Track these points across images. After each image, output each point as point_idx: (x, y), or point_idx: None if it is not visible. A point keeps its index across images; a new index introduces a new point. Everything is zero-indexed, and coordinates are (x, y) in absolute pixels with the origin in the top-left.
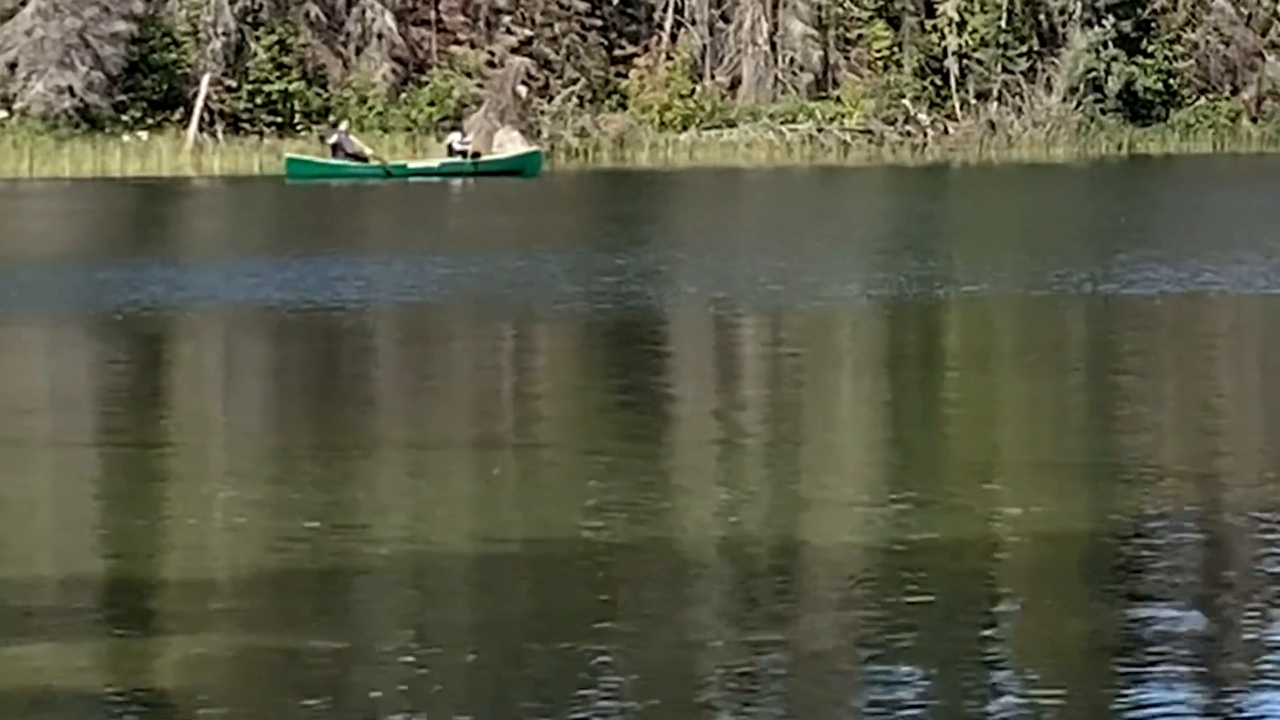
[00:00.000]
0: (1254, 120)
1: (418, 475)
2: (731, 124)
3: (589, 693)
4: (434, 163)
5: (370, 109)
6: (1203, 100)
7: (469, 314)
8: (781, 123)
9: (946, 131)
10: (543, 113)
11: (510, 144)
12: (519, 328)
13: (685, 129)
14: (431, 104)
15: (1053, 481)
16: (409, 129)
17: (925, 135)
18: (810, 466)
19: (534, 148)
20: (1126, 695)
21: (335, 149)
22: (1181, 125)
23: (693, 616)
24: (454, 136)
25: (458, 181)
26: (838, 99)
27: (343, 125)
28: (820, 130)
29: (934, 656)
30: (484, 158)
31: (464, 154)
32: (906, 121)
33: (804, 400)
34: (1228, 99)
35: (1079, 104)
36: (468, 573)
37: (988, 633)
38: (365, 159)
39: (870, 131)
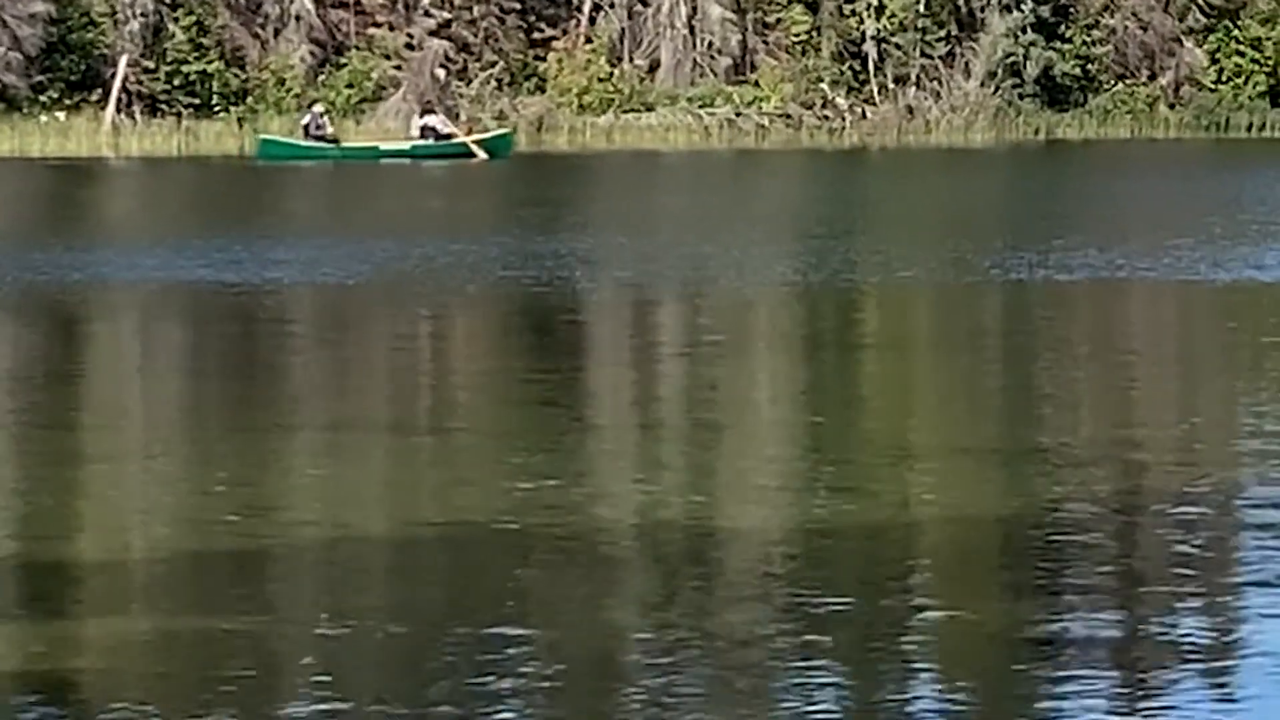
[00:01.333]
0: (1171, 106)
1: (336, 458)
2: (650, 107)
3: (505, 676)
4: (405, 145)
5: (288, 90)
6: (1120, 86)
7: (388, 297)
8: (700, 106)
9: (864, 116)
10: (461, 95)
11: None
12: (439, 312)
13: (604, 112)
14: (350, 86)
15: (970, 466)
16: (327, 112)
17: (843, 120)
18: (729, 451)
19: (504, 130)
20: (1041, 677)
21: (307, 130)
22: (1099, 111)
23: (610, 601)
24: (430, 119)
25: (429, 163)
26: (756, 83)
27: (316, 107)
28: (738, 114)
29: (851, 640)
30: (456, 140)
31: (442, 136)
32: (824, 106)
33: (722, 385)
34: (1145, 85)
35: (997, 89)
36: (385, 555)
37: (904, 616)
38: (337, 141)
39: (788, 116)
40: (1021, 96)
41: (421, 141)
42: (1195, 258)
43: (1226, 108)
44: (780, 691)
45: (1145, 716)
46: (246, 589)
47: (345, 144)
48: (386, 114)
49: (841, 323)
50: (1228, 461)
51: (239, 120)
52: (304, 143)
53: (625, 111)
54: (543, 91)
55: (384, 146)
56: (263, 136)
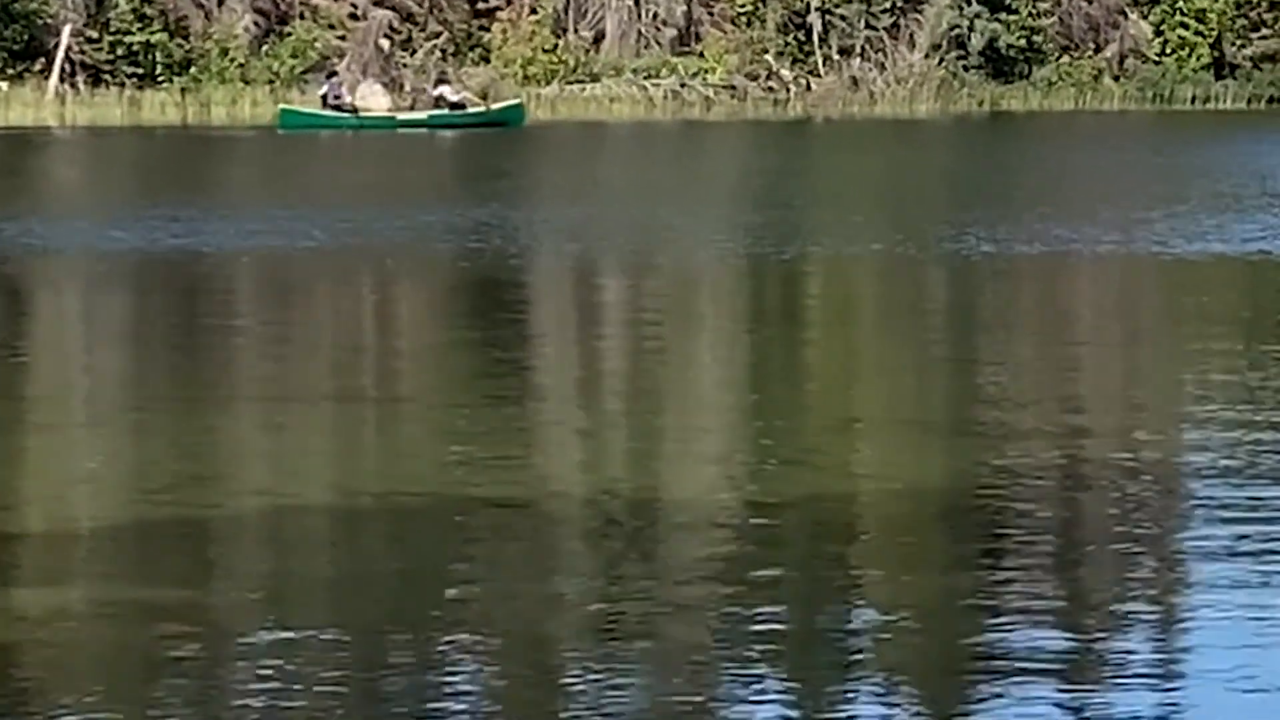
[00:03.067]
0: (1116, 78)
1: (279, 428)
2: (595, 79)
3: (449, 646)
4: (422, 115)
5: (232, 60)
6: (1065, 58)
7: (334, 267)
8: (645, 78)
9: (809, 88)
10: (405, 66)
11: (373, 97)
12: (384, 282)
13: (548, 84)
14: (294, 56)
15: (915, 438)
16: (271, 81)
17: (788, 91)
18: (673, 422)
19: (516, 100)
20: (984, 648)
21: (325, 100)
22: (1044, 83)
23: (554, 571)
24: (444, 88)
25: (446, 133)
26: (701, 54)
27: (334, 78)
28: (683, 86)
29: (794, 612)
30: (469, 110)
31: (454, 105)
32: (769, 77)
33: (666, 356)
34: (1090, 57)
35: (942, 60)
36: (328, 525)
37: (846, 589)
38: (355, 110)
39: (733, 87)
40: (966, 68)
41: (437, 111)
42: (1142, 230)
43: (1170, 80)
44: (723, 662)
45: (1089, 686)
46: (189, 559)
47: (363, 114)
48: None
49: (786, 294)
50: (1172, 434)
51: (182, 90)
52: (323, 112)
53: (570, 83)
54: (487, 62)
55: (401, 116)
56: (282, 106)
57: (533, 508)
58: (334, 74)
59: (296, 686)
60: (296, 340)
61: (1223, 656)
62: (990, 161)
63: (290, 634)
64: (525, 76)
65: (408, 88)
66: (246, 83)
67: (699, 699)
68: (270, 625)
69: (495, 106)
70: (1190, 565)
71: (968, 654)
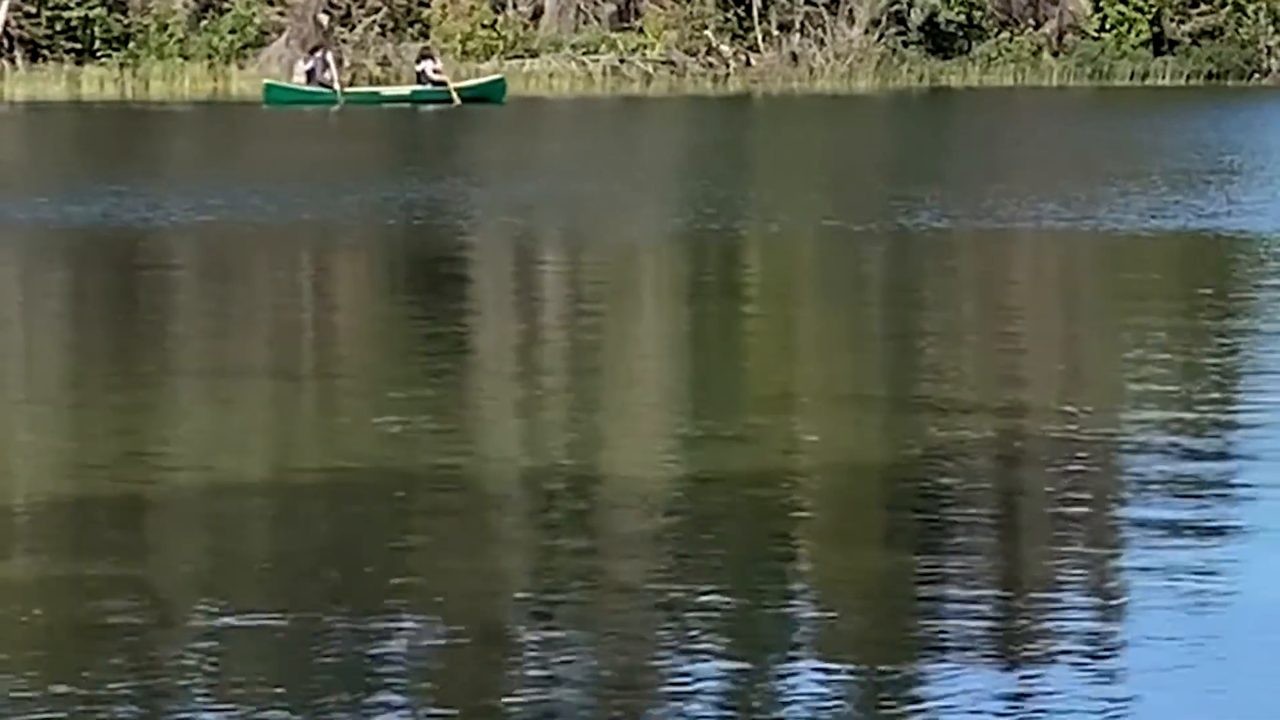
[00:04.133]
0: (1055, 55)
1: (219, 403)
2: (534, 54)
3: (388, 622)
4: (405, 90)
5: (170, 36)
6: (1005, 34)
7: (270, 241)
8: (584, 53)
9: (749, 63)
10: (344, 41)
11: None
12: (322, 257)
13: (487, 59)
14: (233, 31)
15: (853, 413)
16: (210, 57)
17: (728, 67)
18: (612, 398)
19: (497, 76)
20: (924, 625)
21: (310, 75)
22: (983, 59)
23: (494, 547)
24: (426, 64)
25: (429, 108)
26: (640, 30)
27: (319, 53)
28: (623, 61)
29: (734, 587)
30: (453, 85)
31: (436, 81)
32: (709, 53)
33: (606, 331)
34: (1029, 33)
35: (881, 36)
36: (268, 501)
37: (786, 564)
38: (340, 86)
39: (673, 63)
40: (906, 44)
41: (420, 86)
42: (1083, 206)
43: (1109, 56)
44: (663, 638)
45: (1027, 662)
46: (126, 535)
47: (348, 89)
48: (269, 60)
49: (726, 269)
50: (1112, 410)
51: (121, 66)
52: (307, 87)
53: (509, 58)
54: (426, 38)
55: (385, 91)
56: (267, 81)
57: (473, 483)
58: (317, 49)
59: (235, 662)
60: (237, 316)
61: (1161, 632)
62: (930, 137)
63: (229, 609)
64: (464, 52)
65: (347, 63)
66: (185, 58)
67: (638, 674)
68: (209, 601)
69: (476, 83)
70: (1130, 542)
71: (907, 629)
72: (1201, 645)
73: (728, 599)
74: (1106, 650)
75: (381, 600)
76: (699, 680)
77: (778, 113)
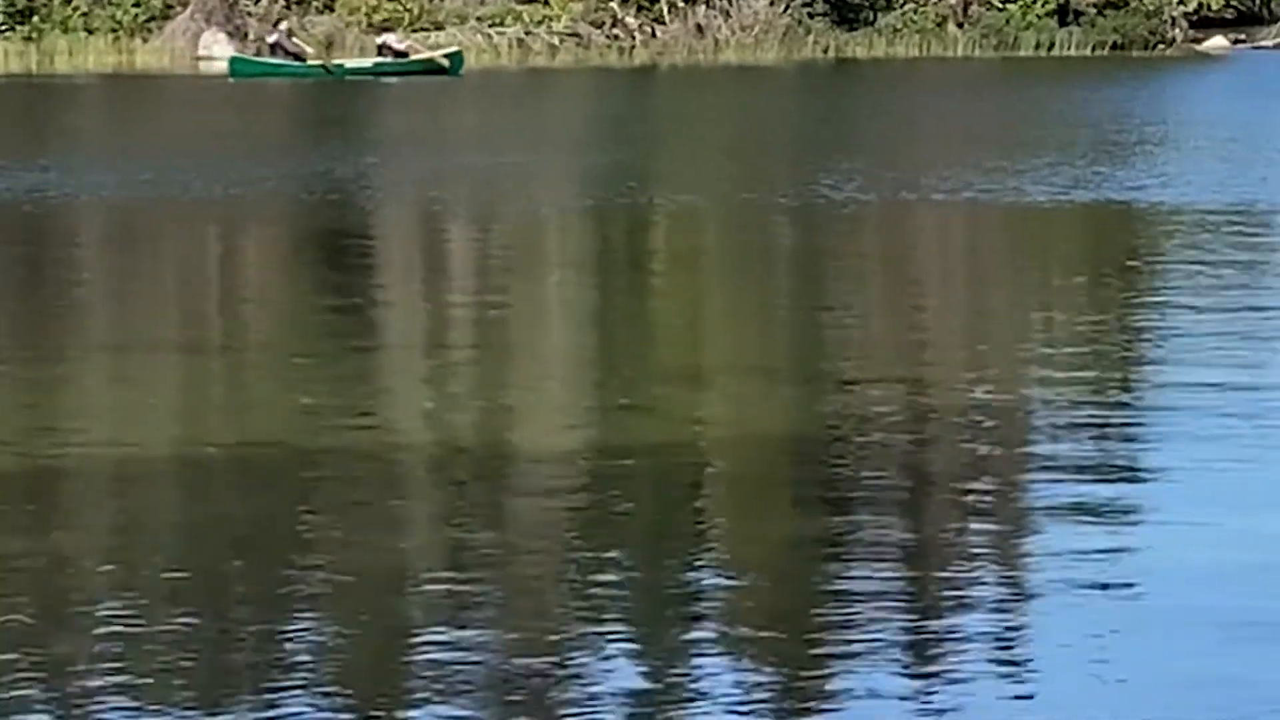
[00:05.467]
0: (960, 25)
1: (126, 378)
2: (439, 26)
3: (296, 595)
4: (368, 62)
5: (75, 10)
6: (910, 4)
7: (179, 216)
8: (489, 26)
9: (654, 35)
10: (249, 14)
11: (217, 46)
12: (226, 230)
13: (392, 31)
14: (136, 5)
15: (760, 386)
16: (114, 30)
17: (633, 39)
18: (519, 371)
19: (455, 48)
20: (829, 598)
21: (275, 48)
22: (888, 29)
23: (401, 520)
24: (387, 36)
25: (392, 80)
26: (545, 2)
27: (283, 25)
28: (528, 33)
29: (641, 560)
30: (412, 57)
31: (397, 53)
32: (614, 25)
33: (512, 305)
34: (934, 4)
35: (787, 7)
36: (174, 479)
37: (692, 537)
38: (304, 58)
39: (578, 35)
40: (811, 15)
41: (381, 59)
42: (989, 177)
43: (1015, 26)
44: (571, 610)
45: (933, 634)
46: (32, 510)
47: (311, 61)
48: (174, 33)
49: (632, 242)
50: (1016, 383)
51: (25, 39)
52: (272, 60)
53: (414, 30)
54: (331, 10)
55: (349, 64)
56: (233, 55)
57: (379, 457)
58: (280, 21)
59: (143, 636)
60: (144, 291)
61: (1064, 601)
62: (836, 108)
63: (136, 584)
64: (369, 24)
65: (251, 36)
66: (90, 32)
67: (545, 646)
68: (116, 575)
69: (434, 54)
70: (1033, 514)
71: (811, 601)
72: (1102, 611)
73: (636, 570)
74: (1011, 617)
75: (290, 571)
76: (604, 651)
77: (684, 85)
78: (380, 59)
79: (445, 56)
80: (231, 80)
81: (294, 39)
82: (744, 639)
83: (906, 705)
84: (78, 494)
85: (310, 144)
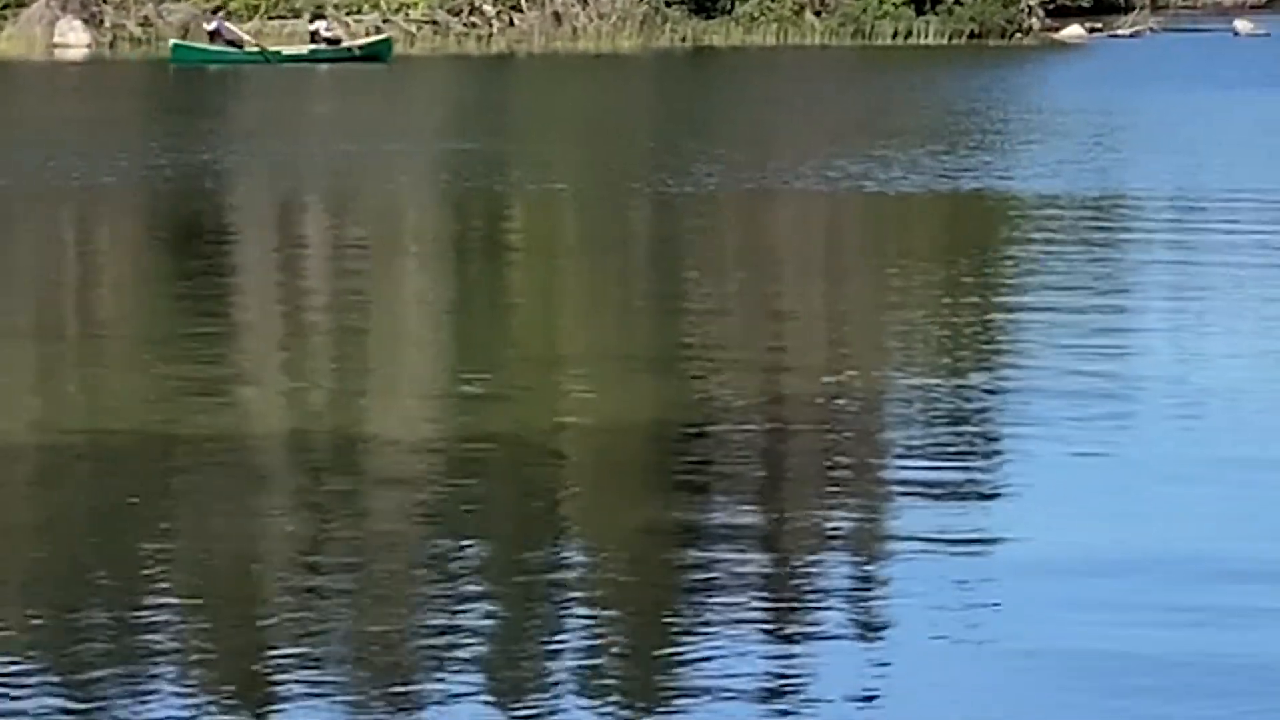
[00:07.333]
0: (817, 13)
1: None
2: (296, 14)
3: (152, 584)
4: (304, 50)
5: None
6: None
7: (25, 201)
8: (346, 13)
9: (512, 23)
10: (105, 1)
11: (73, 33)
12: (81, 217)
13: (250, 19)
14: None
15: (619, 373)
16: (229, 16)
17: (491, 26)
18: (378, 358)
19: (385, 35)
20: (687, 582)
21: (214, 35)
22: (746, 18)
23: (258, 508)
24: (319, 24)
25: (324, 67)
26: None
27: (219, 13)
28: (386, 21)
29: (498, 547)
30: (344, 44)
31: (329, 40)
32: (471, 12)
33: (370, 291)
34: None
35: None
36: (30, 463)
37: (550, 522)
38: (242, 45)
39: (436, 22)
40: (668, 3)
41: (315, 46)
42: (847, 166)
43: (871, 15)
44: (428, 598)
45: (791, 623)
46: None
47: (249, 49)
48: (30, 20)
49: (490, 229)
50: (874, 370)
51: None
52: (212, 47)
53: (271, 18)
54: None
55: (286, 51)
56: (174, 42)
57: (236, 445)
58: (218, 9)
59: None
60: None
61: (921, 584)
62: (695, 97)
63: None
64: (226, 12)
65: (107, 23)
66: None
67: (402, 632)
68: None
69: (366, 41)
70: (889, 498)
71: (669, 584)
72: (954, 587)
73: (492, 556)
74: (869, 603)
75: (145, 560)
76: (461, 636)
77: (542, 73)
78: (315, 46)
79: (375, 43)
80: (173, 66)
81: (230, 26)
82: (601, 623)
83: (761, 689)
84: None
85: (168, 132)
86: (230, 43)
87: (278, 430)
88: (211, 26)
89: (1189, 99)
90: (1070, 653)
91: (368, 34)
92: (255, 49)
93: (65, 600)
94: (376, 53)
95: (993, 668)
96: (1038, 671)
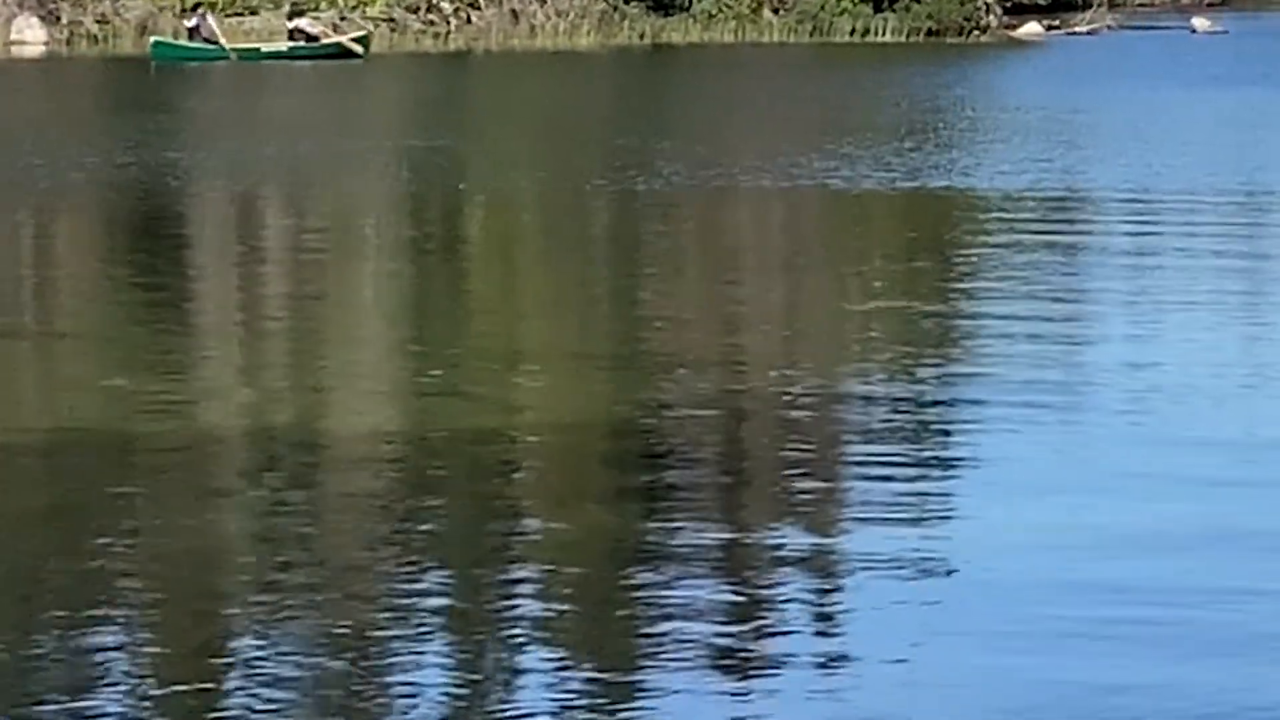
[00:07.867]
0: (775, 11)
1: None
2: (254, 11)
3: (106, 584)
4: (283, 46)
5: None
6: None
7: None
8: (304, 10)
9: (469, 20)
10: None
11: (29, 30)
12: (38, 216)
13: (303, 16)
14: None
15: (578, 371)
16: (207, 13)
17: (448, 24)
18: (336, 356)
19: (362, 31)
20: (643, 580)
21: (193, 33)
22: (704, 15)
23: (214, 508)
24: (301, 21)
25: (305, 64)
26: None
27: (200, 10)
28: (343, 18)
29: (454, 543)
30: (323, 41)
31: (311, 37)
32: (429, 10)
33: (329, 290)
34: None
35: None
36: None
37: (507, 521)
38: (218, 42)
39: (393, 20)
40: (627, 0)
41: (294, 43)
42: (805, 163)
43: (829, 12)
44: (383, 597)
45: (750, 621)
46: None
47: (229, 46)
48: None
49: (449, 228)
50: (831, 369)
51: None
52: (192, 44)
53: (228, 15)
54: None
55: (265, 48)
56: (155, 39)
57: (193, 444)
58: (198, 6)
59: None
60: None
61: (877, 582)
62: (653, 94)
63: None
64: (183, 9)
65: (64, 20)
66: None
67: (357, 633)
68: None
69: (344, 37)
70: (847, 495)
71: (628, 586)
72: (911, 584)
73: (449, 555)
74: (826, 597)
75: (100, 559)
76: (414, 636)
77: (500, 70)
78: (294, 43)
79: (355, 40)
80: (154, 64)
81: (210, 23)
82: (553, 624)
83: (714, 694)
84: None
85: (126, 130)
86: (208, 40)
87: (232, 430)
88: (192, 23)
89: (1149, 96)
90: (1024, 670)
91: (346, 30)
92: (233, 46)
93: (14, 596)
94: (361, 44)
95: (945, 679)
96: (993, 689)
